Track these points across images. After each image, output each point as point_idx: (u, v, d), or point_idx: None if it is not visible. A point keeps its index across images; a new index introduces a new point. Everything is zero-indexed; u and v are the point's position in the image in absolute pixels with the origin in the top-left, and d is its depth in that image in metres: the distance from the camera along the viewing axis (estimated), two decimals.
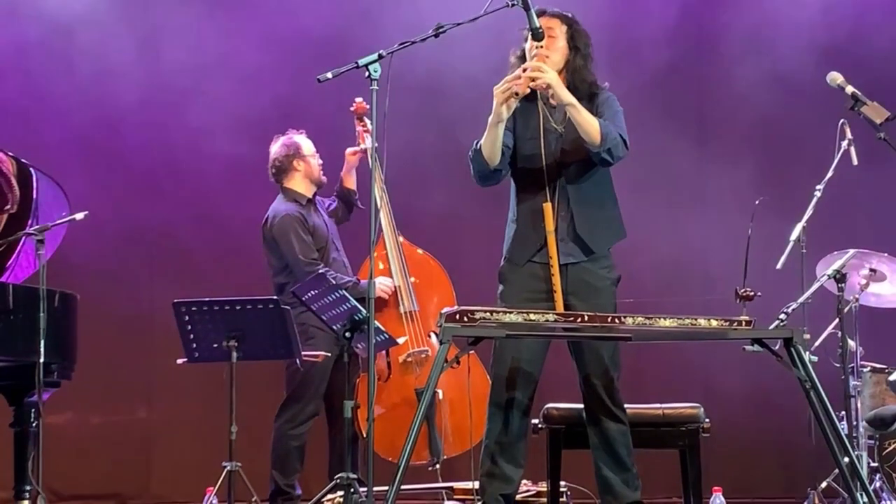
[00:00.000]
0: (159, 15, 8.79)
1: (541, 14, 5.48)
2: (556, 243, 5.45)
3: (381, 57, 5.10)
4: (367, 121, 7.16)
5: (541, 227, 5.49)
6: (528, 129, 5.57)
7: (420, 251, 7.25)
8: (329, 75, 5.07)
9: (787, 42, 8.62)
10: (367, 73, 5.07)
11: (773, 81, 8.61)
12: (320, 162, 7.24)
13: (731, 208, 7.88)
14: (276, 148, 7.24)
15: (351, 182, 7.39)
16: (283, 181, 7.21)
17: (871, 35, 8.50)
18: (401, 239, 7.18)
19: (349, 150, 7.35)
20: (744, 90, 8.65)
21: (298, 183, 7.21)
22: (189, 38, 8.69)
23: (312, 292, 5.69)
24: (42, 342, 6.04)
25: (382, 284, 7.01)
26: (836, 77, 5.74)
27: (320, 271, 6.67)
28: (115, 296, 8.46)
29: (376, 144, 6.58)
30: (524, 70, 5.41)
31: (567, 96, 5.39)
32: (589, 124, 5.38)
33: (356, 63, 5.08)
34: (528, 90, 5.41)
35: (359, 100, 7.21)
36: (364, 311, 5.49)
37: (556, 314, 5.19)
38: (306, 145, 7.22)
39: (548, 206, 5.47)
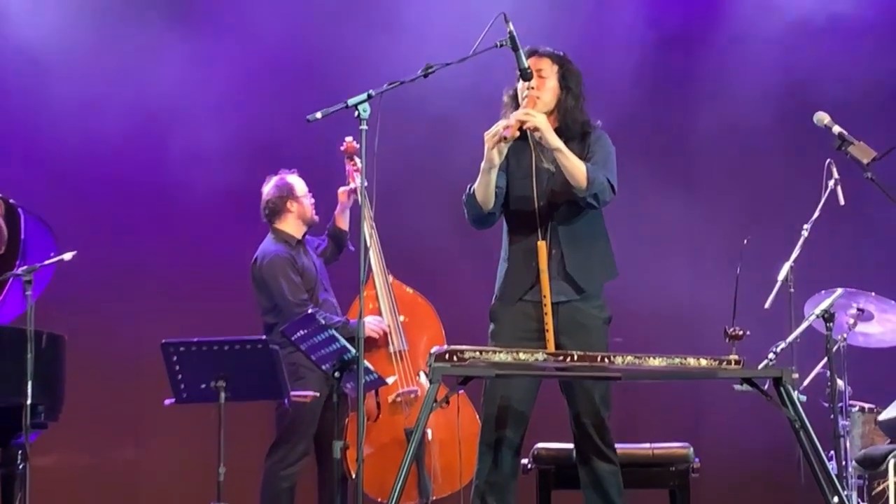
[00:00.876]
0: (137, 46, 8.75)
1: (532, 54, 5.51)
2: (548, 282, 5.44)
3: (370, 97, 5.11)
4: (357, 160, 7.15)
5: (532, 265, 5.48)
6: (521, 169, 5.58)
7: (410, 290, 7.23)
8: (318, 115, 5.07)
9: (772, 82, 8.70)
10: (356, 113, 5.08)
11: (758, 122, 8.68)
12: (312, 201, 7.24)
13: (720, 248, 7.89)
14: (268, 189, 7.23)
15: (343, 222, 7.38)
16: (274, 222, 7.21)
17: (849, 73, 8.58)
18: (390, 278, 7.17)
19: (341, 189, 7.34)
20: (729, 131, 8.70)
21: (290, 224, 7.21)
22: (173, 70, 8.68)
23: (301, 332, 5.67)
24: (30, 384, 6.00)
25: (372, 323, 6.99)
26: (822, 117, 5.75)
27: (309, 311, 6.63)
28: (103, 336, 8.44)
29: (366, 183, 6.65)
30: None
31: (554, 140, 5.40)
32: (576, 168, 5.39)
33: (345, 103, 5.09)
34: (518, 134, 5.41)
35: (349, 139, 7.20)
36: (353, 350, 5.47)
37: (546, 353, 5.16)
38: (299, 186, 7.21)
39: (542, 245, 5.47)
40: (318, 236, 7.41)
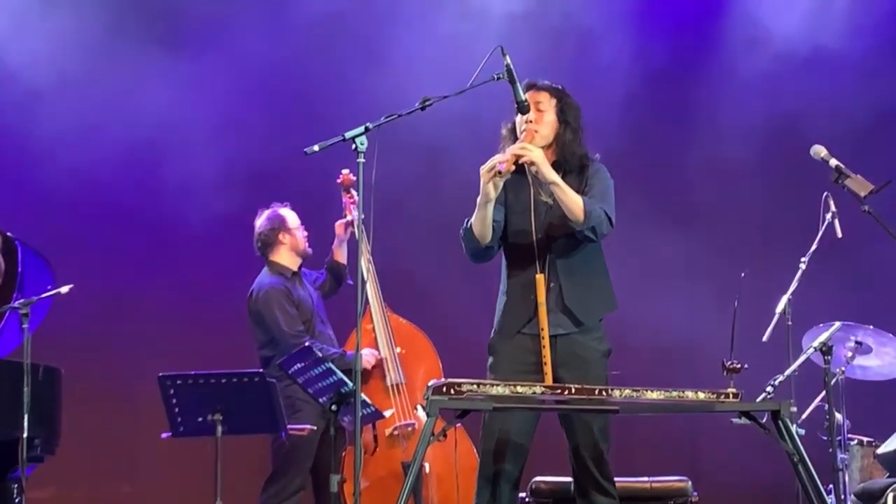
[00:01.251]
0: (130, 73, 8.73)
1: (530, 87, 5.51)
2: (546, 315, 5.42)
3: (367, 130, 5.10)
4: (354, 192, 7.16)
5: (531, 298, 5.46)
6: (519, 202, 5.57)
7: (406, 323, 7.22)
8: (316, 148, 5.07)
9: (767, 116, 8.73)
10: (353, 146, 5.07)
11: (754, 155, 8.71)
12: (305, 234, 7.25)
13: (718, 281, 7.85)
14: (260, 222, 7.24)
15: (341, 256, 7.38)
16: (268, 255, 7.21)
17: (845, 106, 8.62)
18: (387, 310, 7.16)
19: (338, 222, 7.34)
20: (726, 164, 8.73)
21: (284, 256, 7.21)
22: (166, 97, 8.67)
23: (298, 365, 5.67)
24: (26, 417, 5.98)
25: (367, 355, 6.97)
26: (819, 150, 5.76)
27: (306, 344, 6.61)
28: (99, 369, 8.42)
29: (363, 216, 6.65)
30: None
31: (551, 174, 5.40)
32: (572, 202, 5.39)
33: (342, 136, 5.08)
34: (514, 168, 5.40)
35: (345, 171, 7.21)
36: (350, 383, 5.45)
37: (545, 386, 5.15)
38: (291, 218, 7.22)
39: (540, 278, 5.45)
40: (316, 270, 7.40)
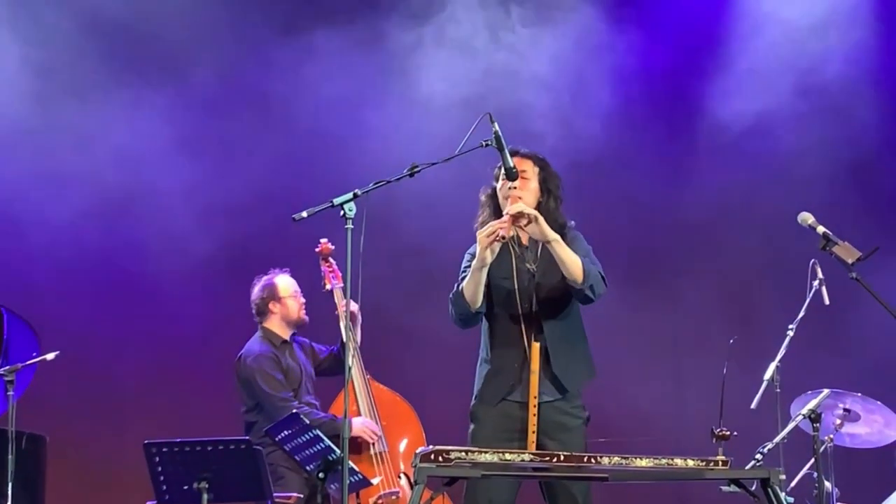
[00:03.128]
0: (105, 126, 8.68)
1: (513, 154, 5.49)
2: (537, 383, 5.41)
3: (355, 196, 5.10)
4: (333, 261, 7.17)
5: (514, 366, 5.46)
6: (502, 269, 5.56)
7: (389, 391, 7.17)
8: (304, 214, 5.07)
9: (754, 179, 8.78)
10: (342, 212, 5.06)
11: (744, 221, 8.73)
12: (302, 301, 7.23)
13: (707, 348, 7.88)
14: (255, 289, 7.25)
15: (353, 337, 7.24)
16: (262, 321, 7.22)
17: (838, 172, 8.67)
18: (369, 379, 7.10)
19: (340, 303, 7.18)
20: (715, 231, 8.75)
21: (275, 325, 7.21)
22: (149, 154, 8.68)
23: (286, 432, 5.65)
24: (10, 485, 5.94)
25: (367, 425, 6.90)
26: (806, 217, 5.78)
27: (294, 410, 6.59)
28: (85, 436, 8.37)
29: (340, 284, 6.64)
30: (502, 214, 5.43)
31: (550, 232, 5.40)
32: (572, 261, 5.40)
33: (331, 202, 5.08)
34: (513, 232, 5.41)
35: (323, 240, 7.20)
36: (338, 450, 5.42)
37: (532, 454, 5.12)
38: (283, 286, 7.21)
39: (535, 346, 5.45)
40: (328, 345, 7.35)
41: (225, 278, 7.91)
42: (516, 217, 5.38)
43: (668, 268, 8.88)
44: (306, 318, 7.25)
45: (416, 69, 8.83)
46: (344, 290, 6.74)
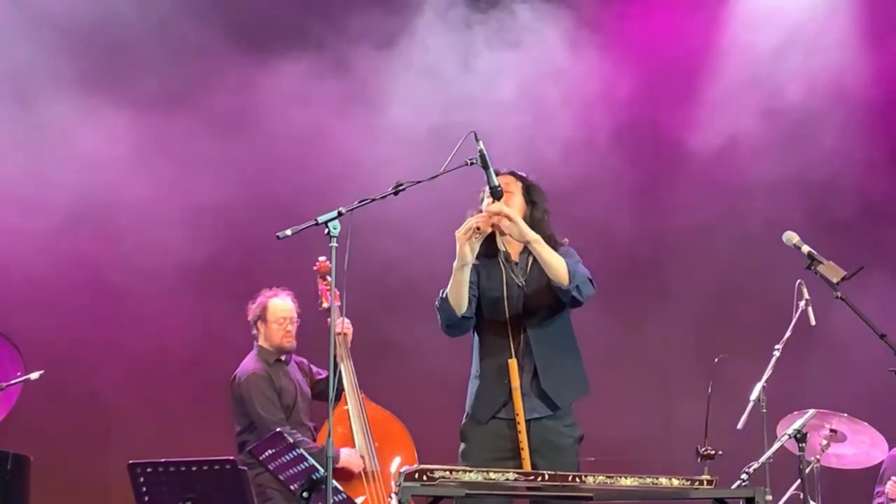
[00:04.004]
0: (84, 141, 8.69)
1: (496, 173, 5.47)
2: (521, 399, 5.40)
3: (340, 214, 5.08)
4: (330, 279, 7.11)
5: (504, 382, 5.44)
6: (491, 285, 5.54)
7: (382, 410, 7.13)
8: (288, 232, 5.04)
9: (743, 199, 8.82)
10: (326, 231, 5.04)
11: (731, 239, 8.78)
12: (288, 329, 7.19)
13: (692, 367, 7.88)
14: (251, 305, 7.27)
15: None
16: (256, 337, 7.24)
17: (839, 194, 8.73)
18: (363, 398, 7.06)
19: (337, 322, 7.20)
20: (702, 250, 8.79)
21: (263, 343, 7.23)
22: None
23: (270, 451, 5.61)
24: None
25: (352, 457, 6.87)
26: (791, 237, 5.79)
27: (277, 429, 6.56)
28: (69, 457, 8.33)
29: (338, 304, 6.64)
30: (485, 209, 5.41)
31: (529, 232, 5.37)
32: (556, 261, 5.37)
33: (315, 220, 5.06)
34: (490, 230, 5.39)
35: (322, 259, 7.16)
36: (322, 470, 5.41)
37: (517, 473, 5.05)
38: (272, 310, 7.20)
39: (513, 363, 5.42)
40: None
41: (212, 293, 7.87)
42: (496, 213, 5.35)
43: (654, 285, 8.92)
44: (290, 345, 7.22)
45: (380, 94, 8.88)
46: (341, 308, 6.79)
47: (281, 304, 7.23)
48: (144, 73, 8.72)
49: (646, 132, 9.02)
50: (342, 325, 6.82)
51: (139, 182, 8.61)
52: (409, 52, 8.91)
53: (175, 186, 8.65)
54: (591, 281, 5.45)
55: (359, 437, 6.98)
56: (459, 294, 5.42)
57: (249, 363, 7.15)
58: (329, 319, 7.06)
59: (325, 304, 7.23)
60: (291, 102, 8.79)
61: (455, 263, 5.39)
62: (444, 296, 5.47)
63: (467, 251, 5.35)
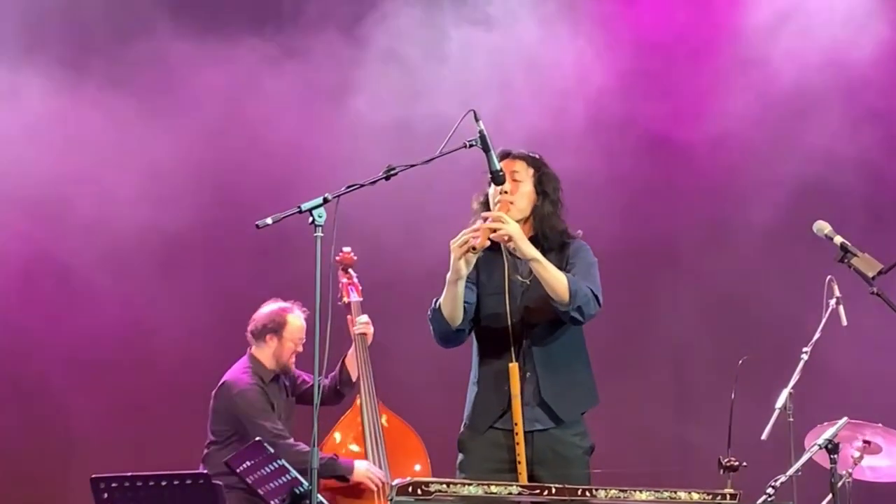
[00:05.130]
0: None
1: (505, 155, 5.43)
2: (520, 408, 5.32)
3: (326, 201, 4.97)
4: (353, 273, 7.15)
5: (504, 389, 5.37)
6: (492, 283, 5.47)
7: (398, 419, 7.07)
8: (269, 221, 4.94)
9: (766, 191, 8.72)
10: (310, 219, 4.94)
11: (751, 232, 8.69)
12: (299, 350, 7.16)
13: (712, 370, 7.82)
14: (265, 311, 7.19)
15: (353, 365, 7.12)
16: (253, 344, 7.16)
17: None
18: (379, 404, 7.00)
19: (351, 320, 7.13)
20: (720, 241, 8.74)
21: (266, 357, 7.14)
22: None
23: (248, 463, 5.63)
24: None
25: (371, 471, 6.79)
26: (823, 226, 5.74)
27: (257, 438, 6.44)
28: (31, 472, 8.30)
29: (360, 299, 6.64)
30: (483, 220, 5.33)
31: (530, 250, 5.30)
32: (555, 280, 5.29)
33: (299, 208, 4.96)
34: (489, 243, 5.29)
35: (346, 249, 7.14)
36: (306, 483, 5.31)
37: (521, 486, 5.01)
38: (292, 328, 7.14)
39: (513, 367, 5.36)
40: (306, 371, 7.26)
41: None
42: (494, 229, 5.27)
43: (672, 284, 8.86)
44: (292, 367, 7.19)
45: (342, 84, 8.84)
46: (361, 304, 7.06)
47: (300, 324, 7.19)
48: (86, 49, 8.73)
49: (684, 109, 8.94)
50: (365, 324, 6.95)
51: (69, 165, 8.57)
52: (372, 37, 8.86)
53: (103, 178, 8.59)
54: (596, 297, 5.37)
55: (370, 445, 6.92)
56: (454, 307, 5.36)
57: (243, 376, 7.05)
58: (349, 316, 7.14)
59: (344, 299, 7.17)
60: (242, 88, 8.77)
61: (449, 276, 5.32)
62: (437, 306, 5.41)
63: (462, 266, 5.28)
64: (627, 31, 8.90)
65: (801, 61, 8.64)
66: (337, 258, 7.13)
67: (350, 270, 7.16)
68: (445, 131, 5.10)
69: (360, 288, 7.14)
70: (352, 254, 7.14)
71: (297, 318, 7.16)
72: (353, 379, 7.10)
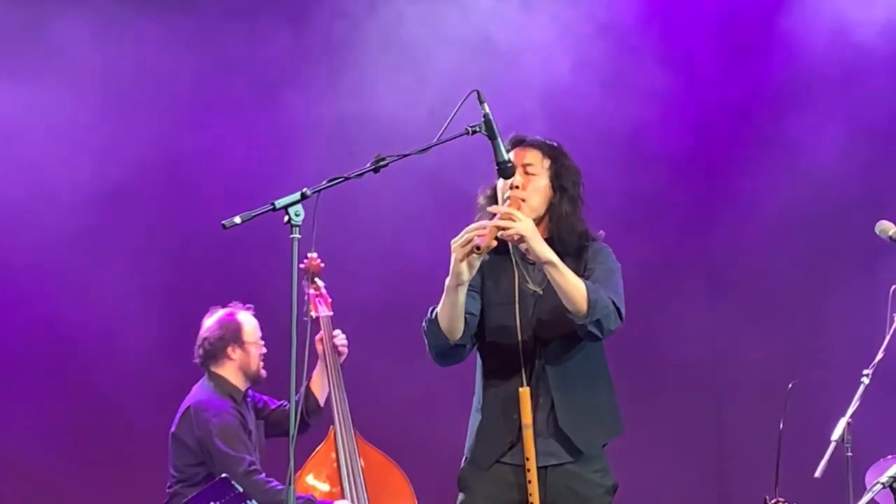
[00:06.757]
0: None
1: (517, 143, 5.25)
2: (533, 439, 5.15)
3: (304, 197, 4.77)
4: (321, 283, 7.01)
5: (514, 418, 5.20)
6: (499, 292, 5.28)
7: (379, 454, 6.96)
8: (237, 220, 4.72)
9: (817, 192, 8.70)
10: (286, 218, 4.74)
11: (803, 233, 8.70)
12: (263, 351, 7.00)
13: (758, 395, 7.74)
14: (209, 324, 6.99)
15: (319, 386, 7.04)
16: (212, 366, 6.95)
17: None
18: (357, 437, 6.90)
19: (318, 336, 7.01)
20: (764, 245, 8.76)
21: (231, 373, 6.96)
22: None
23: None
24: None
25: None
26: (887, 227, 5.73)
27: (224, 475, 6.26)
28: None
29: (330, 313, 6.54)
30: (491, 217, 5.11)
31: (545, 251, 5.06)
32: (573, 288, 5.06)
33: (272, 205, 4.75)
34: (496, 243, 5.09)
35: (312, 255, 6.97)
36: None
37: None
38: (249, 329, 6.98)
39: (524, 392, 5.17)
40: (280, 400, 7.16)
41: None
42: (503, 228, 5.07)
43: (713, 290, 8.90)
44: (264, 373, 7.01)
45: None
46: (332, 319, 6.95)
47: (254, 321, 7.03)
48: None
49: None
50: (343, 344, 6.92)
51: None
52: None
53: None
54: (618, 310, 5.16)
55: (347, 485, 6.82)
56: (453, 318, 5.14)
57: (213, 399, 6.84)
58: (306, 331, 6.80)
59: (312, 313, 7.00)
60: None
61: (448, 281, 5.10)
62: (434, 316, 5.20)
63: (463, 269, 5.05)
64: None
65: None
66: (301, 265, 6.96)
67: (317, 280, 7.02)
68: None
69: (330, 300, 7.03)
70: (318, 260, 6.99)
71: (248, 317, 6.99)
72: (321, 404, 7.00)
